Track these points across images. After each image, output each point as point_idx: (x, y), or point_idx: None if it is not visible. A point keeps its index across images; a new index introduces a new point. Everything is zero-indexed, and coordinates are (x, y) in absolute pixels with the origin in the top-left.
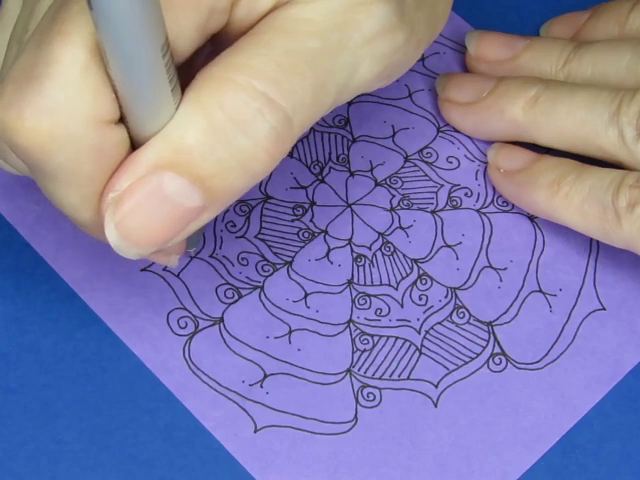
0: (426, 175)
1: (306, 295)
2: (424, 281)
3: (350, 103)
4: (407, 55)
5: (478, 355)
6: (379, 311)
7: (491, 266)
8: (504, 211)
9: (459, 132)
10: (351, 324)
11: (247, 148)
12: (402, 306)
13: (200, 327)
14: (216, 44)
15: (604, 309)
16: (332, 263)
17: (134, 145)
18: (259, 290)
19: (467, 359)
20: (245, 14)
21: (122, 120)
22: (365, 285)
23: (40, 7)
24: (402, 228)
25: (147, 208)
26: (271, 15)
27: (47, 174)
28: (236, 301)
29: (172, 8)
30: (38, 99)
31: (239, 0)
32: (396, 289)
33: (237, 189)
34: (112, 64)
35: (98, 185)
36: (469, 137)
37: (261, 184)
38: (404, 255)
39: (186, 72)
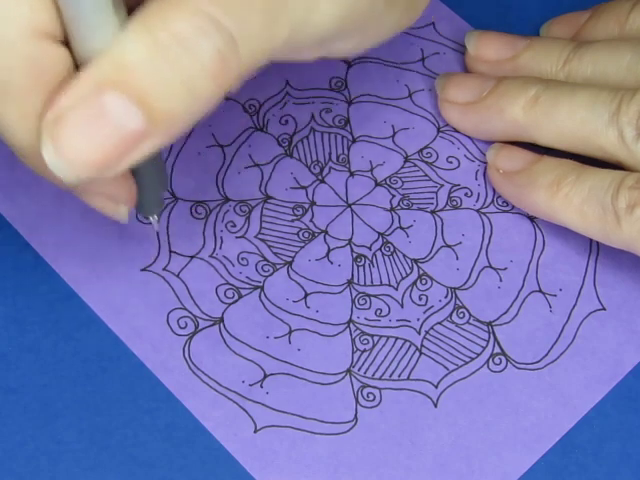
0: (426, 175)
1: (306, 295)
2: (424, 281)
3: (350, 103)
4: (374, 8)
5: (478, 355)
6: (379, 311)
7: (491, 266)
8: (504, 211)
9: (459, 132)
10: (351, 324)
11: (191, 68)
12: (402, 306)
13: (200, 327)
14: None
15: (604, 309)
16: (332, 263)
17: (78, 68)
18: (259, 290)
19: (467, 359)
20: None
21: (67, 44)
22: (365, 285)
23: None
24: (402, 228)
25: (87, 127)
26: None
27: None
28: (236, 301)
29: None
30: None
31: None
32: (396, 289)
33: (181, 114)
34: None
35: (36, 103)
36: (469, 137)
37: (261, 184)
38: (404, 255)
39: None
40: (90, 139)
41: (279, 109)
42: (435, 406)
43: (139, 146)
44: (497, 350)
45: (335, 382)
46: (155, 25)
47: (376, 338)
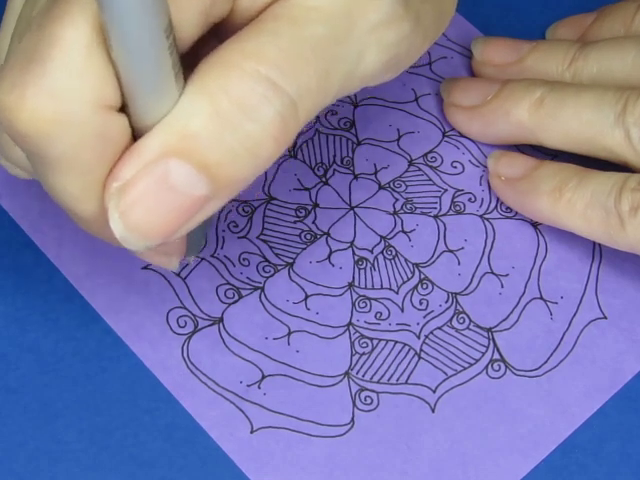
0: (430, 179)
1: (306, 297)
2: (425, 286)
3: (356, 106)
4: (413, 46)
5: (477, 361)
6: (379, 315)
7: (493, 272)
8: (507, 217)
9: (464, 137)
10: (351, 327)
11: (253, 133)
12: (402, 310)
13: (199, 327)
14: (220, 35)
15: (605, 318)
16: (333, 265)
17: (135, 135)
18: (259, 291)
19: (466, 365)
20: (249, 3)
21: (123, 109)
22: (366, 288)
23: (40, 3)
24: (404, 232)
25: (153, 197)
26: (276, 4)
27: (48, 162)
28: (236, 301)
29: None
30: (40, 81)
31: None
32: (397, 293)
33: (243, 177)
34: (115, 45)
35: (100, 174)
36: (474, 142)
37: (264, 185)
38: (405, 259)
39: (190, 65)
40: (157, 210)
41: None
42: (433, 411)
43: (202, 210)
44: (496, 356)
45: (333, 385)
46: (215, 91)
47: (375, 341)
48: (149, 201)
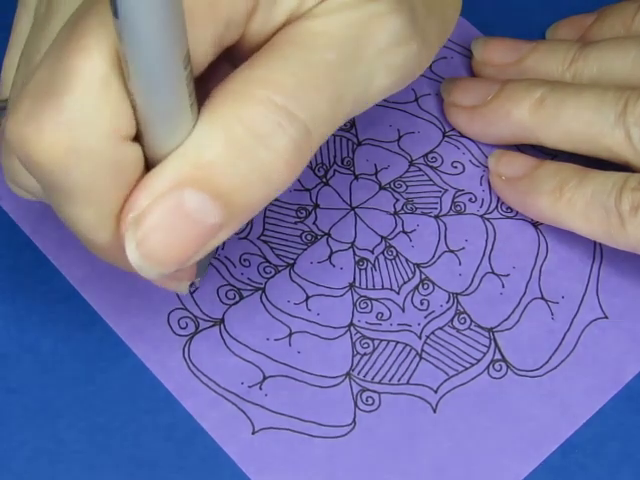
0: (430, 180)
1: (307, 298)
2: (426, 286)
3: None
4: (420, 63)
5: (478, 361)
6: (380, 315)
7: (493, 272)
8: (508, 217)
9: (465, 137)
10: (352, 327)
11: (268, 161)
12: (403, 310)
13: (200, 328)
14: (230, 57)
15: (606, 317)
16: (334, 266)
17: (149, 163)
18: (260, 292)
19: (467, 365)
20: (260, 27)
21: (137, 138)
22: (367, 289)
23: (51, 26)
24: (405, 232)
25: (168, 226)
26: (286, 28)
27: (63, 192)
28: (237, 302)
29: (189, 20)
30: (57, 113)
31: (254, 13)
32: (398, 293)
33: (257, 204)
34: (134, 76)
35: (115, 204)
36: (474, 142)
37: None
38: (406, 259)
39: (200, 88)
40: (172, 238)
41: None
42: (434, 411)
43: (216, 237)
44: (498, 356)
45: (334, 385)
46: (229, 120)
47: (376, 342)
48: (164, 230)
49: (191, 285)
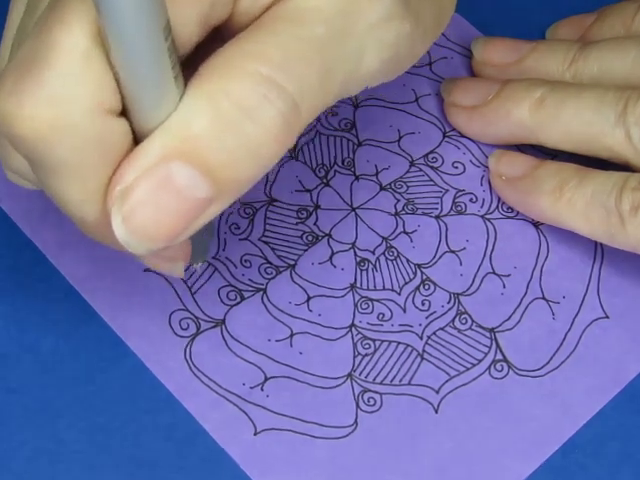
0: (431, 180)
1: (309, 298)
2: (427, 286)
3: (356, 106)
4: (413, 45)
5: (480, 361)
6: (381, 316)
7: (494, 272)
8: (508, 217)
9: (465, 137)
10: (353, 328)
11: (255, 135)
12: (404, 311)
13: (202, 329)
14: (219, 38)
15: (607, 317)
16: (335, 267)
17: (137, 139)
18: (261, 293)
19: (469, 365)
20: (248, 6)
21: (124, 113)
22: (368, 289)
23: (40, 10)
24: (406, 233)
25: (156, 200)
26: (275, 6)
27: (49, 168)
28: (238, 303)
29: None
30: (37, 88)
31: None
32: (399, 294)
33: (246, 178)
34: (114, 48)
35: (102, 179)
36: (475, 142)
37: (265, 187)
38: (407, 260)
39: (190, 70)
40: (160, 212)
41: None
42: (436, 412)
43: (205, 212)
44: (499, 357)
45: (336, 386)
46: (216, 93)
47: (378, 343)
48: (152, 204)
49: (188, 269)
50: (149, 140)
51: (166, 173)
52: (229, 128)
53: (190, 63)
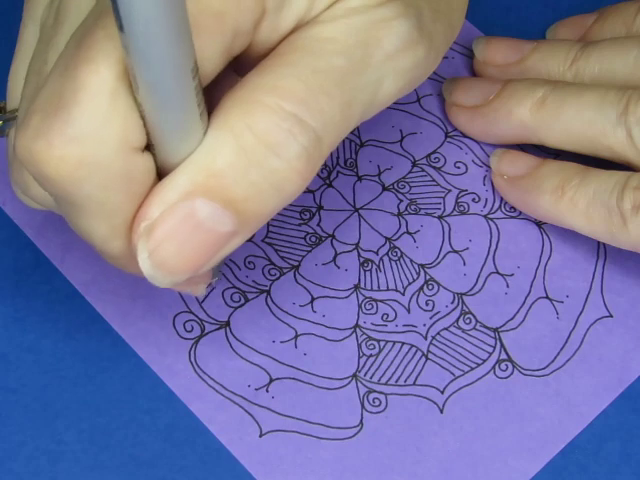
0: (434, 180)
1: (313, 299)
2: (431, 286)
3: None
4: (427, 67)
5: (484, 361)
6: (385, 316)
7: (498, 272)
8: (511, 217)
9: (467, 137)
10: (357, 329)
11: (279, 170)
12: (409, 311)
13: (206, 331)
14: (237, 66)
15: (611, 316)
16: (339, 268)
17: (160, 173)
18: (265, 294)
19: (473, 365)
20: (267, 35)
21: (148, 148)
22: (372, 290)
23: (58, 39)
24: (409, 233)
25: (180, 235)
26: (293, 36)
27: (75, 205)
28: (242, 305)
29: (197, 31)
30: (67, 128)
31: (262, 22)
32: (403, 294)
33: (269, 212)
34: (142, 88)
35: (127, 214)
36: (477, 142)
37: None
38: (411, 260)
39: (207, 97)
40: (185, 247)
41: None
42: (441, 412)
43: (228, 245)
44: (503, 356)
45: (341, 387)
46: (240, 128)
47: (382, 343)
48: (176, 239)
49: (207, 286)
50: (174, 175)
51: (190, 209)
52: (254, 163)
53: (208, 91)
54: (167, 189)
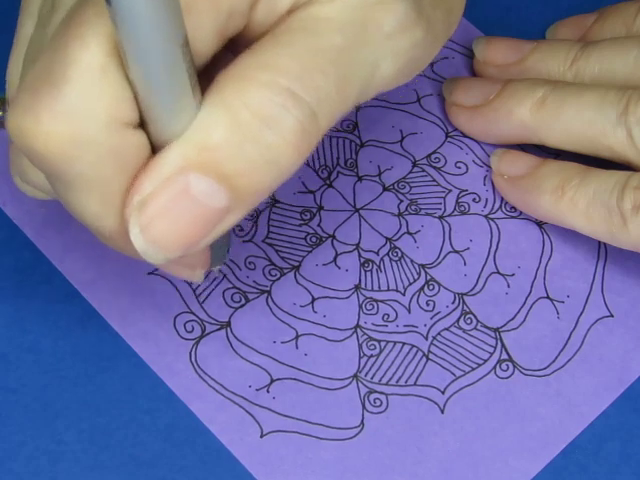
0: (434, 180)
1: (313, 300)
2: (431, 287)
3: (358, 108)
4: (425, 51)
5: (485, 361)
6: (386, 316)
7: (499, 272)
8: (512, 217)
9: (467, 137)
10: (358, 329)
11: (274, 144)
12: (409, 312)
13: (207, 331)
14: (234, 48)
15: (612, 316)
16: (339, 268)
17: (154, 150)
18: (266, 294)
19: (474, 365)
20: (263, 16)
21: (141, 125)
22: (372, 290)
23: (53, 24)
24: (410, 233)
25: (173, 210)
26: (290, 16)
27: (67, 182)
28: (243, 305)
29: (191, 11)
30: (55, 103)
31: (258, 2)
32: (403, 294)
33: (264, 187)
34: (132, 63)
35: (120, 191)
36: (477, 142)
37: None
38: (412, 260)
39: (206, 79)
40: (178, 222)
41: None
42: (442, 412)
43: (223, 222)
44: (504, 356)
45: (342, 387)
46: (234, 103)
47: (383, 343)
48: (169, 214)
49: (209, 274)
50: (167, 151)
51: (184, 184)
52: (249, 138)
53: (205, 71)
54: (160, 164)
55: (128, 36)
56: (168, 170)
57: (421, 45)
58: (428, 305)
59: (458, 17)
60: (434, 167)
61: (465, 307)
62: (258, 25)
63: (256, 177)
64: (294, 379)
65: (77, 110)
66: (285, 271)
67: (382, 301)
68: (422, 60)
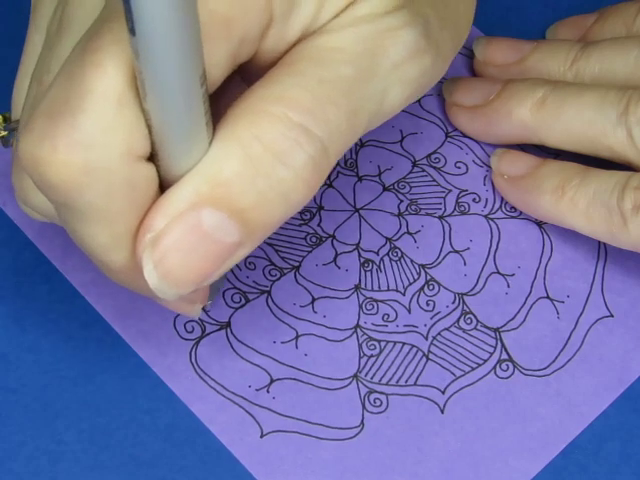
0: (434, 180)
1: (313, 300)
2: (431, 287)
3: None
4: (434, 75)
5: (485, 361)
6: (386, 316)
7: (499, 272)
8: (512, 217)
9: (467, 137)
10: (358, 329)
11: (286, 179)
12: (409, 312)
13: (207, 331)
14: (243, 74)
15: (612, 316)
16: (339, 268)
17: (163, 183)
18: (266, 295)
19: (474, 365)
20: (274, 44)
21: (151, 158)
22: (372, 290)
23: (62, 45)
24: (410, 233)
25: (187, 246)
26: (300, 45)
27: (77, 212)
28: (243, 305)
29: (205, 37)
30: (72, 132)
31: (269, 29)
32: (403, 294)
33: (275, 221)
34: (150, 95)
35: (129, 224)
36: (477, 142)
37: None
38: (411, 260)
39: (212, 104)
40: (190, 258)
41: None
42: (442, 412)
43: (234, 256)
44: (504, 356)
45: (342, 387)
46: (247, 138)
47: (383, 343)
48: (182, 250)
49: (203, 308)
50: (179, 186)
51: (197, 219)
52: (261, 172)
53: (212, 98)
54: (173, 200)
55: (149, 66)
56: (181, 205)
57: (430, 72)
58: (428, 305)
59: (465, 36)
60: (434, 167)
61: (465, 307)
62: (268, 52)
63: (267, 211)
64: (294, 379)
65: (93, 140)
66: (285, 271)
67: (382, 301)
68: (430, 84)
